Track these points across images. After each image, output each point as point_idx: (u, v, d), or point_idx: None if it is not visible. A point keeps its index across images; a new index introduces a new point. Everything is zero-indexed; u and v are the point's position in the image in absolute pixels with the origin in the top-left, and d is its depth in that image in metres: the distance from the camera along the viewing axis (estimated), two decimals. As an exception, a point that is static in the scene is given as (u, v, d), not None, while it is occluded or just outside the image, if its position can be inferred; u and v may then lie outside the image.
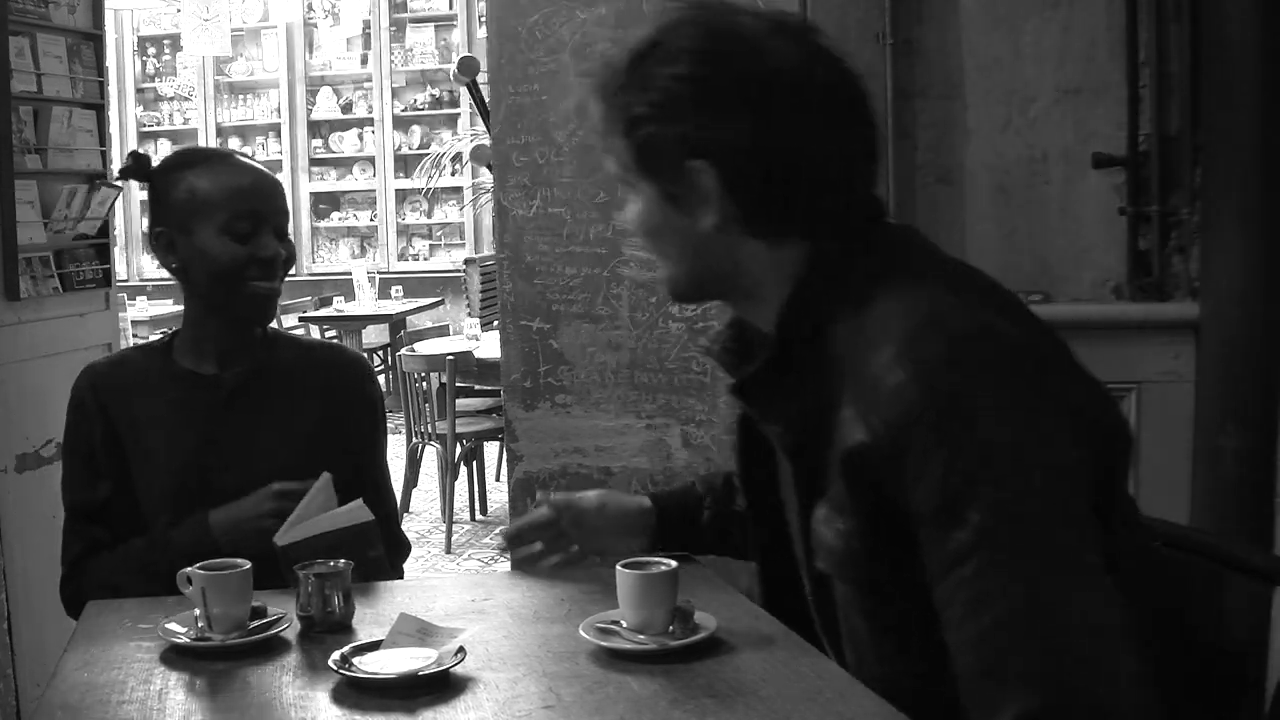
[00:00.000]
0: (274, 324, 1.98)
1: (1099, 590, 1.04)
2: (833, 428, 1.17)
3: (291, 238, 1.91)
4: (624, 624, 1.43)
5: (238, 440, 1.84)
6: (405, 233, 9.50)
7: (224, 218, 1.81)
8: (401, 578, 2.00)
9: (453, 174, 8.91)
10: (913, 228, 1.35)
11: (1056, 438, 1.09)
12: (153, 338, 2.05)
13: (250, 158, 1.96)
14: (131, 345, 2.10)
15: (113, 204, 3.30)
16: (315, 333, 7.16)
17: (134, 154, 1.94)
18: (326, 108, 9.48)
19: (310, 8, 9.45)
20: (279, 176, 9.20)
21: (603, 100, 1.28)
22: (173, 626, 1.48)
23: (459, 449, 5.18)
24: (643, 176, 1.26)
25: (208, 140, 9.34)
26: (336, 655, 1.35)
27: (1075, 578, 1.04)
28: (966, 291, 1.20)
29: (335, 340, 6.25)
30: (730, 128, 1.20)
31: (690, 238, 1.26)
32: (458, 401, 5.14)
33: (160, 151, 8.13)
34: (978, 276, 1.26)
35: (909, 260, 1.25)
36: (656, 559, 1.47)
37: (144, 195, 1.94)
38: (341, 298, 7.89)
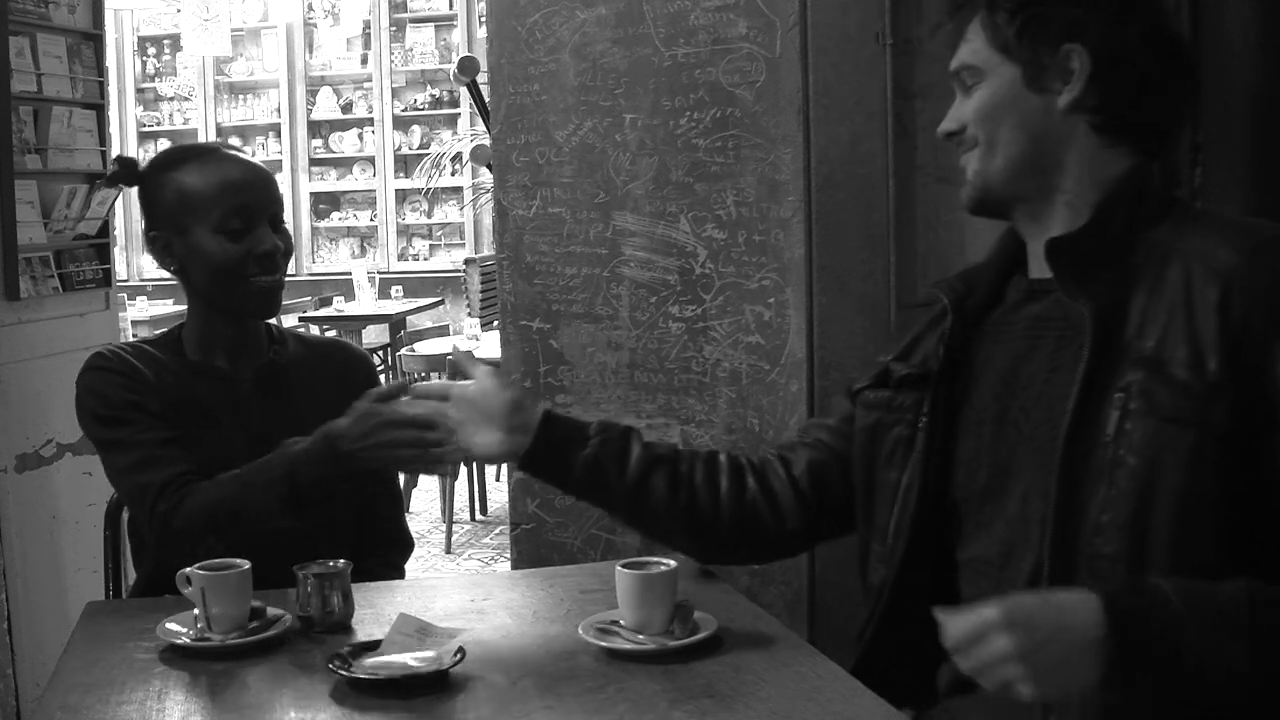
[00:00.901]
0: (274, 321, 1.97)
1: None
2: (1132, 303, 1.28)
3: (288, 226, 1.89)
4: (623, 624, 1.43)
5: (259, 434, 1.80)
6: (405, 233, 9.50)
7: (217, 216, 1.79)
8: (402, 577, 2.00)
9: (453, 174, 8.90)
10: None
11: None
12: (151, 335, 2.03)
13: (239, 150, 1.93)
14: (135, 338, 2.05)
15: (113, 204, 3.30)
16: (315, 332, 7.16)
17: (120, 159, 1.92)
18: (326, 108, 9.47)
19: (310, 8, 9.43)
20: (279, 177, 9.24)
21: None
22: (173, 626, 1.49)
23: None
24: (1011, 55, 1.36)
25: (208, 140, 9.34)
26: (336, 655, 1.35)
27: None
28: None
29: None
30: (1114, 23, 1.33)
31: (1033, 118, 1.35)
32: (458, 401, 5.13)
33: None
34: None
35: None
36: (656, 559, 1.47)
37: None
38: (341, 298, 7.88)
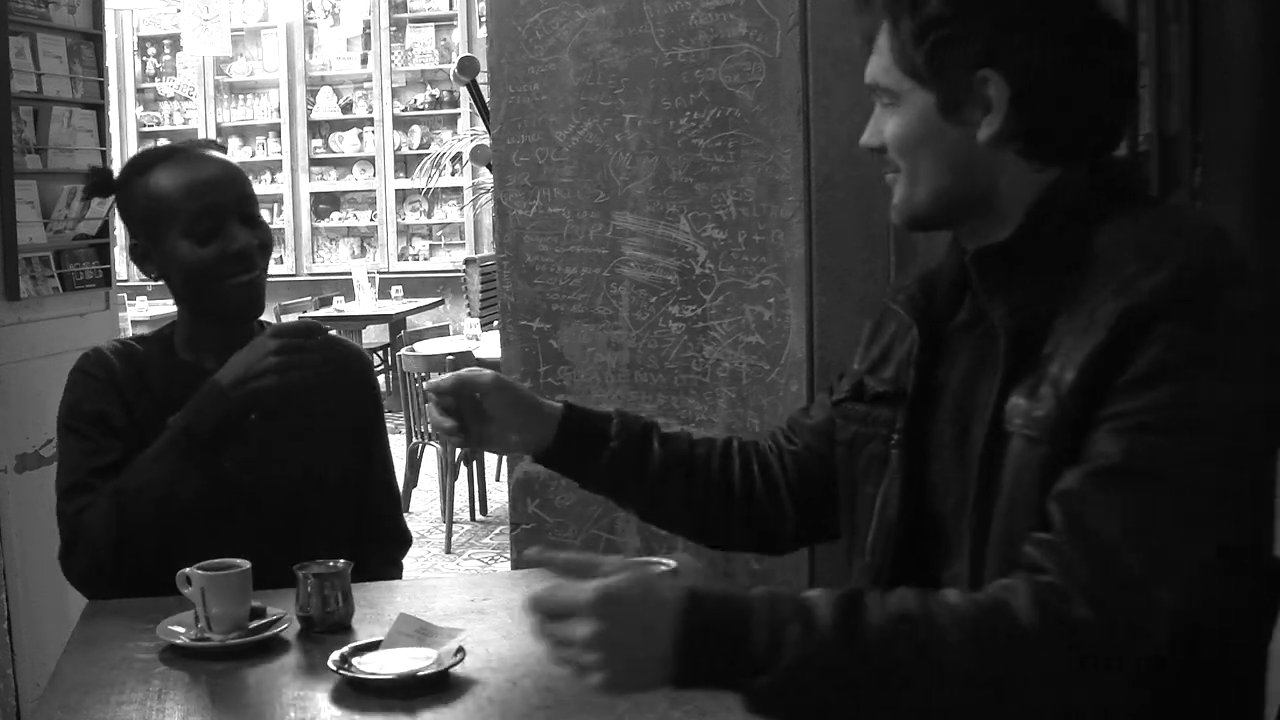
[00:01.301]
0: (273, 320, 1.96)
1: (1212, 539, 1.08)
2: (1057, 319, 1.18)
3: (269, 221, 1.87)
4: (623, 624, 1.43)
5: (252, 434, 1.78)
6: (405, 233, 9.50)
7: (185, 219, 1.76)
8: (400, 576, 2.00)
9: (453, 174, 8.90)
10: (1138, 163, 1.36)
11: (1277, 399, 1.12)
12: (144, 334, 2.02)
13: (209, 147, 1.88)
14: (129, 336, 2.05)
15: (113, 204, 3.30)
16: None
17: (93, 170, 1.91)
18: (326, 108, 9.47)
19: (310, 8, 9.44)
20: (279, 177, 9.28)
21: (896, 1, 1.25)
22: (173, 626, 1.49)
23: (459, 449, 5.18)
24: (923, 83, 1.23)
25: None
26: (336, 655, 1.35)
27: (1209, 503, 1.08)
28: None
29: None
30: (1031, 41, 1.19)
31: (955, 151, 1.23)
32: (458, 401, 5.13)
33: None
34: None
35: (1147, 194, 1.30)
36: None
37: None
38: (341, 298, 7.89)
